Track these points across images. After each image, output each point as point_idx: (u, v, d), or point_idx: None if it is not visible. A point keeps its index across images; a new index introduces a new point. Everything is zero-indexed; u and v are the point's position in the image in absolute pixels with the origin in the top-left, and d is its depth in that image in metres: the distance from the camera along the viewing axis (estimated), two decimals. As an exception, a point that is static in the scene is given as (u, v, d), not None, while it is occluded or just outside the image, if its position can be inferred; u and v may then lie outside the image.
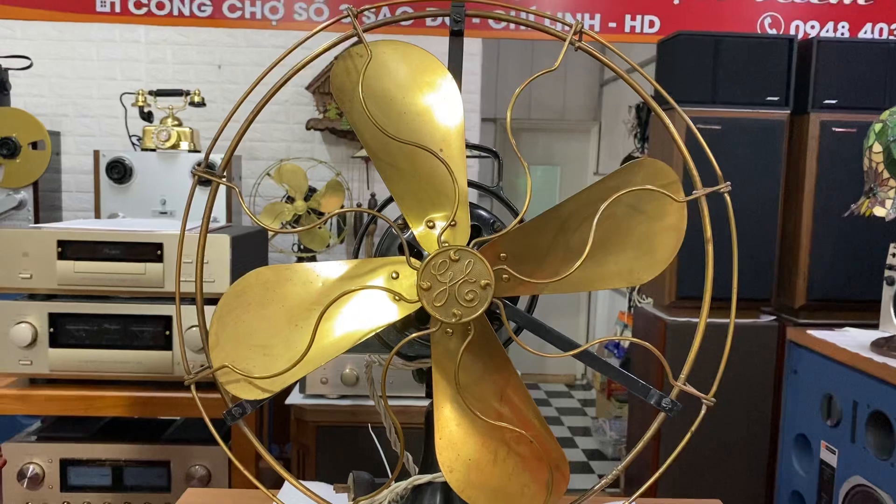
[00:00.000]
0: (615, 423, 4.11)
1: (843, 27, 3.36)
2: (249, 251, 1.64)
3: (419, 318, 0.76)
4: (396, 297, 0.69)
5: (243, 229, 1.68)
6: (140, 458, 1.56)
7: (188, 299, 1.52)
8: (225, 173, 0.73)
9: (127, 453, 1.56)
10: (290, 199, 3.08)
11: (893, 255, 1.93)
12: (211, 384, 0.72)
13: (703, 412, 0.73)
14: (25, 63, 3.04)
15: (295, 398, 1.83)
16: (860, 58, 2.54)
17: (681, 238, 0.71)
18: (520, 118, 5.42)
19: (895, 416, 1.74)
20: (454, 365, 0.69)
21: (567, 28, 0.71)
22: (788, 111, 2.56)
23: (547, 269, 0.70)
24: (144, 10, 3.27)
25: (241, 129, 0.71)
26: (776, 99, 2.55)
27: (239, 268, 1.51)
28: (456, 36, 0.74)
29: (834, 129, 2.53)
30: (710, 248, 0.71)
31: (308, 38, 0.72)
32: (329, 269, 0.72)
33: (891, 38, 3.35)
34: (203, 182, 0.72)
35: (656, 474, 0.76)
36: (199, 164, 0.73)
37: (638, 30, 3.36)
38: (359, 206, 3.49)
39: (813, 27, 3.36)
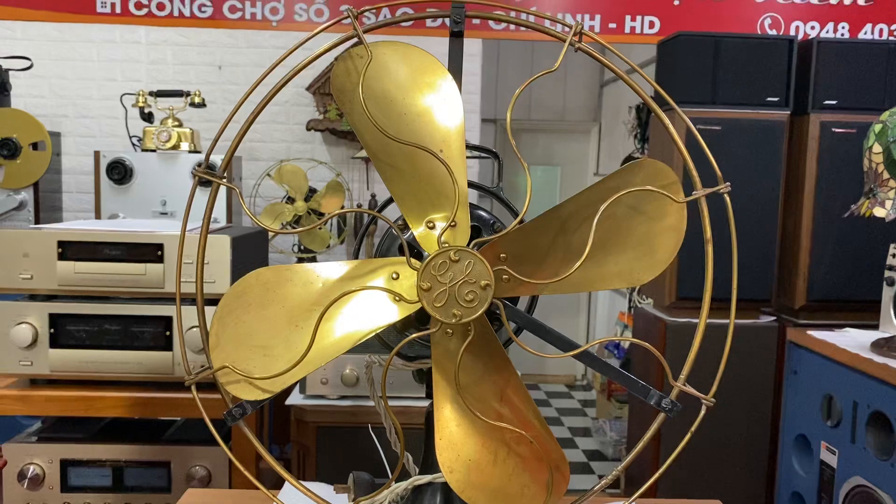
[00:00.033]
0: (615, 424, 4.11)
1: (843, 28, 3.36)
2: (250, 252, 1.64)
3: (419, 319, 0.76)
4: (396, 298, 0.69)
5: (244, 230, 1.68)
6: (140, 458, 1.56)
7: (189, 300, 1.52)
8: (225, 174, 0.73)
9: (127, 454, 1.56)
10: (291, 200, 3.08)
11: (893, 255, 1.93)
12: (211, 385, 0.72)
13: (702, 412, 0.73)
14: (26, 64, 3.05)
15: (295, 399, 1.83)
16: (860, 58, 2.54)
17: (681, 238, 0.71)
18: (520, 119, 5.42)
19: (895, 416, 1.74)
20: (454, 365, 0.69)
21: (567, 29, 0.71)
22: (788, 112, 2.56)
23: (547, 270, 0.70)
24: (145, 10, 3.27)
25: (241, 129, 0.71)
26: (776, 99, 2.55)
27: (239, 268, 1.52)
28: (456, 37, 0.75)
29: (834, 129, 2.53)
30: (709, 249, 0.71)
31: (308, 38, 0.72)
32: (329, 270, 0.72)
33: (891, 38, 3.35)
34: (203, 183, 0.72)
35: (656, 474, 0.76)
36: (199, 165, 0.73)
37: (638, 30, 3.36)
38: (359, 206, 3.50)
39: (813, 28, 3.36)
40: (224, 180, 0.72)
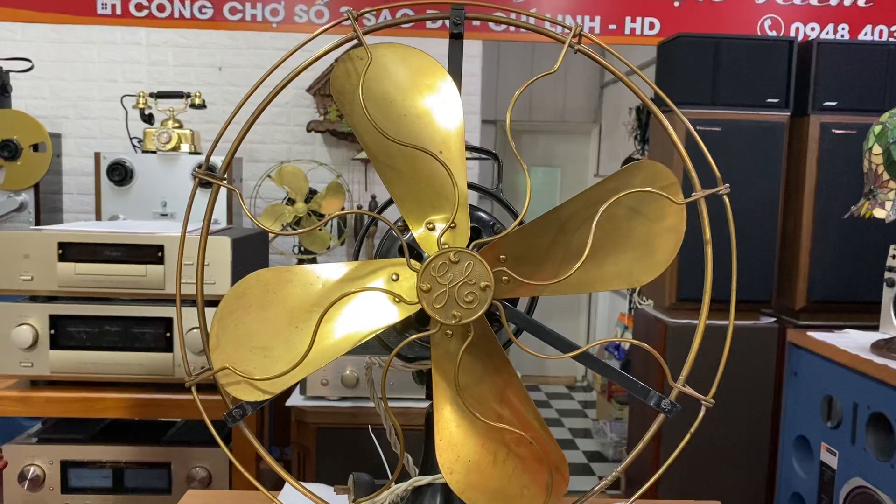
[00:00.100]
0: (616, 425, 4.11)
1: (843, 29, 3.36)
2: (250, 253, 1.64)
3: (419, 320, 0.76)
4: (396, 299, 0.69)
5: (244, 231, 1.68)
6: (141, 459, 1.56)
7: (189, 301, 1.52)
8: (226, 175, 0.73)
9: (127, 455, 1.56)
10: (291, 201, 3.08)
11: (893, 256, 1.93)
12: (211, 386, 0.73)
13: (702, 413, 0.73)
14: (26, 65, 3.05)
15: (295, 400, 1.83)
16: (860, 60, 2.54)
17: (680, 239, 0.71)
18: (520, 120, 5.43)
19: (895, 417, 1.74)
20: (454, 366, 0.69)
21: (566, 31, 0.71)
22: (788, 113, 2.56)
23: (547, 271, 0.70)
24: (145, 12, 3.27)
25: (241, 131, 0.72)
26: (776, 101, 2.55)
27: (239, 270, 1.52)
28: (455, 38, 0.75)
29: (834, 130, 2.53)
30: (709, 250, 0.72)
31: (309, 40, 0.72)
32: (329, 271, 0.72)
33: (891, 39, 3.35)
34: (204, 184, 0.72)
35: (656, 475, 0.76)
36: (199, 167, 0.73)
37: (638, 32, 3.36)
38: (359, 208, 3.50)
39: (813, 29, 3.36)
40: (224, 182, 0.72)
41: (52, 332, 1.49)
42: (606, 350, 4.33)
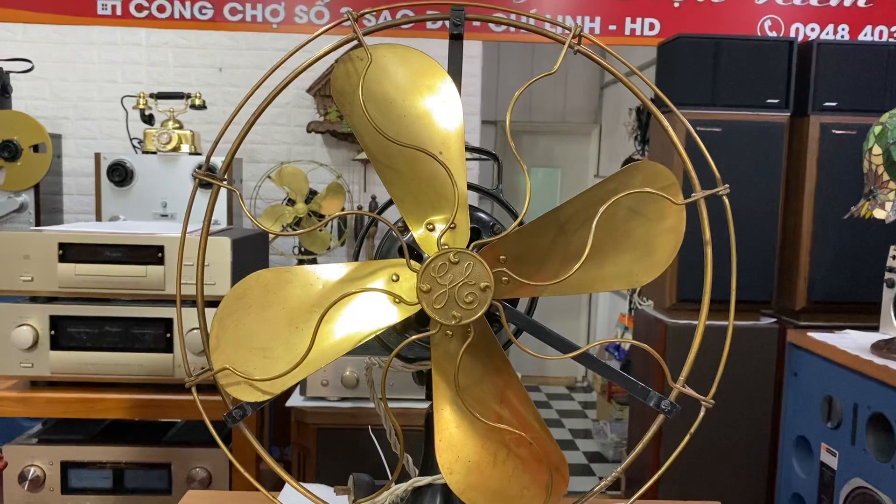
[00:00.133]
0: (616, 426, 4.11)
1: (843, 29, 3.36)
2: (250, 254, 1.64)
3: (419, 321, 0.76)
4: (396, 300, 0.70)
5: (244, 232, 1.68)
6: (141, 460, 1.56)
7: (189, 302, 1.52)
8: (226, 176, 0.73)
9: (128, 455, 1.56)
10: (291, 202, 3.08)
11: (893, 257, 1.93)
12: (212, 386, 0.73)
13: (701, 414, 0.73)
14: (27, 66, 3.05)
15: (295, 400, 1.83)
16: (860, 60, 2.54)
17: (680, 240, 0.72)
18: (520, 121, 5.43)
19: (895, 418, 1.74)
20: (454, 367, 0.69)
21: (566, 31, 0.71)
22: (788, 113, 2.56)
23: (546, 272, 0.70)
24: (145, 13, 3.27)
25: (241, 131, 0.72)
26: (776, 101, 2.55)
27: (240, 270, 1.52)
28: (455, 39, 0.75)
29: (834, 131, 2.53)
30: (708, 251, 0.72)
31: (309, 41, 0.72)
32: (329, 272, 0.72)
33: (891, 40, 3.35)
34: (204, 185, 0.72)
35: (655, 475, 0.76)
36: (199, 167, 0.73)
37: (638, 32, 3.37)
38: (359, 208, 3.50)
39: (813, 29, 3.36)
40: (224, 182, 0.72)
41: (53, 332, 1.49)
42: (607, 350, 4.33)
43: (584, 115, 5.51)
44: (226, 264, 1.48)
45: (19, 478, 1.53)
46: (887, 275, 1.94)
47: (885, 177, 1.80)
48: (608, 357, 4.31)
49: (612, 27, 3.35)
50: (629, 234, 0.71)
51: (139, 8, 3.27)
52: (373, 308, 0.70)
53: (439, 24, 3.09)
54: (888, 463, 1.75)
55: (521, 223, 0.71)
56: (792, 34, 3.34)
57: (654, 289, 2.69)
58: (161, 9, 3.29)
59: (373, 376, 0.91)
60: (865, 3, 3.35)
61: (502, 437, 0.72)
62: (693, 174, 0.72)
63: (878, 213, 1.80)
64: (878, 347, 1.89)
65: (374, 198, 3.54)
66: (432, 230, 0.71)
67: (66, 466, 1.55)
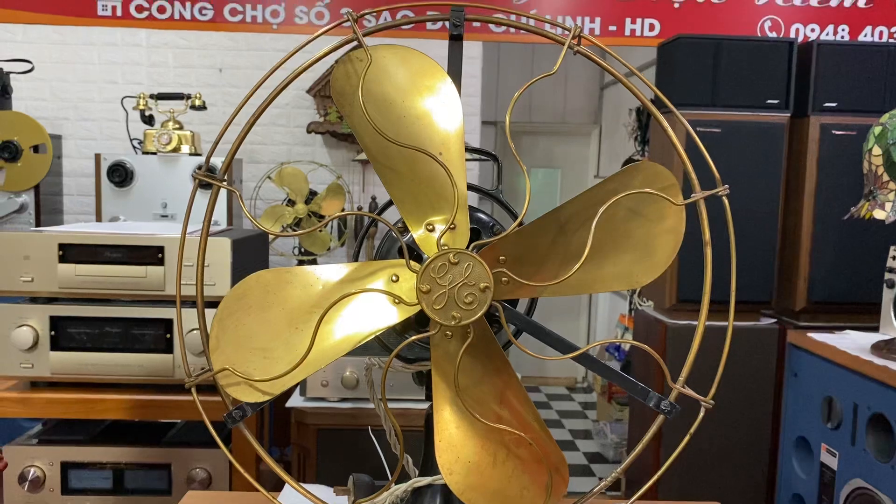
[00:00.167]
0: (616, 426, 4.11)
1: (843, 30, 3.36)
2: (250, 254, 1.64)
3: (419, 321, 0.76)
4: (396, 300, 0.70)
5: (244, 232, 1.68)
6: (141, 460, 1.56)
7: (189, 302, 1.52)
8: (226, 177, 0.73)
9: (128, 456, 1.56)
10: (291, 203, 3.08)
11: (893, 257, 1.93)
12: (211, 387, 0.73)
13: (701, 414, 0.73)
14: (27, 66, 3.05)
15: (295, 401, 1.83)
16: (860, 61, 2.54)
17: (679, 240, 0.72)
18: (520, 121, 5.43)
19: (895, 418, 1.74)
20: (453, 367, 0.69)
21: (566, 32, 0.71)
22: (788, 114, 2.56)
23: (546, 272, 0.70)
24: (146, 13, 3.27)
25: (241, 132, 0.72)
26: (776, 102, 2.55)
27: (240, 271, 1.52)
28: (455, 40, 0.75)
29: (834, 131, 2.53)
30: (708, 251, 0.72)
31: (309, 41, 0.72)
32: (329, 272, 0.72)
33: (891, 41, 3.35)
34: (204, 185, 0.72)
35: (655, 476, 0.76)
36: (199, 168, 0.73)
37: (638, 33, 3.36)
38: (359, 209, 3.50)
39: (813, 30, 3.36)
40: (224, 183, 0.72)
41: (53, 333, 1.49)
42: (607, 351, 4.33)
43: (584, 115, 5.51)
44: (226, 265, 1.48)
45: (19, 478, 1.53)
46: (887, 275, 1.94)
47: (885, 177, 1.80)
48: (608, 358, 4.31)
49: (612, 28, 3.35)
50: (629, 234, 0.71)
51: (139, 9, 3.27)
52: (372, 309, 0.70)
53: (439, 24, 3.09)
54: (888, 463, 1.75)
55: (520, 224, 0.71)
56: (792, 35, 3.34)
57: (654, 289, 2.69)
58: (161, 9, 3.29)
59: (373, 377, 0.91)
60: (865, 4, 3.35)
61: (502, 438, 0.72)
62: (693, 175, 0.72)
63: (878, 214, 1.80)
64: (878, 348, 1.89)
65: (373, 198, 3.54)
66: (432, 231, 0.71)
67: (66, 467, 1.55)
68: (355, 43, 0.70)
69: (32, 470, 1.53)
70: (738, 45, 2.55)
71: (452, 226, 0.70)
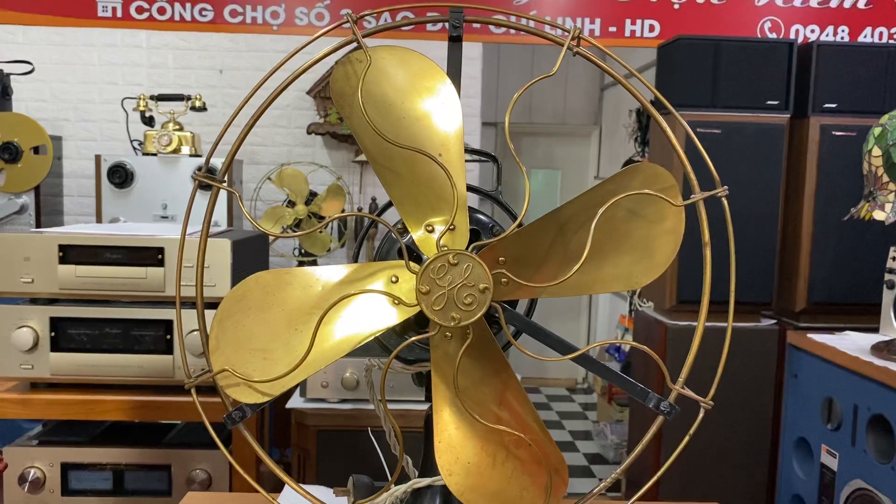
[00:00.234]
0: (616, 427, 4.11)
1: (842, 31, 3.36)
2: (250, 255, 1.64)
3: (418, 322, 0.76)
4: (396, 301, 0.70)
5: (244, 233, 1.68)
6: (141, 461, 1.57)
7: (189, 303, 1.52)
8: (226, 178, 0.73)
9: (128, 457, 1.56)
10: (291, 204, 3.08)
11: (893, 258, 1.93)
12: (211, 388, 0.73)
13: (700, 415, 0.73)
14: (27, 68, 3.05)
15: (295, 402, 1.83)
16: (860, 61, 2.54)
17: (679, 242, 0.72)
18: (520, 122, 5.43)
19: (895, 419, 1.74)
20: (453, 369, 0.69)
21: (565, 33, 0.71)
22: (788, 115, 2.56)
23: (546, 273, 0.70)
24: (146, 14, 3.27)
25: (241, 133, 0.72)
26: (776, 103, 2.55)
27: (239, 272, 1.52)
28: (455, 41, 0.75)
29: (834, 132, 2.53)
30: (707, 252, 0.72)
31: (309, 43, 0.72)
32: (329, 273, 0.72)
33: (891, 41, 3.35)
34: (204, 186, 0.72)
35: (655, 476, 0.76)
36: (199, 169, 0.73)
37: (638, 34, 3.36)
38: (359, 210, 3.50)
39: (813, 31, 3.36)
40: (224, 184, 0.72)
41: (53, 334, 1.49)
42: (607, 352, 4.33)
43: (584, 116, 5.51)
44: (226, 266, 1.48)
45: (19, 479, 1.53)
46: (887, 276, 1.94)
47: (885, 178, 1.80)
48: (608, 359, 4.31)
49: (612, 29, 3.35)
50: (629, 235, 0.71)
51: (139, 10, 3.28)
52: (372, 309, 0.71)
53: (439, 25, 3.09)
54: (888, 464, 1.75)
55: (520, 225, 0.71)
56: (792, 36, 3.34)
57: (654, 290, 2.69)
58: (161, 11, 3.29)
59: (372, 378, 0.91)
60: (865, 5, 3.35)
61: (502, 439, 0.72)
62: (692, 176, 0.72)
63: (878, 215, 1.80)
64: (878, 349, 1.89)
65: (373, 199, 3.54)
66: (431, 232, 0.71)
67: (66, 468, 1.55)
68: (355, 44, 0.70)
69: (32, 471, 1.53)
70: (738, 46, 2.55)
71: (452, 227, 0.70)
